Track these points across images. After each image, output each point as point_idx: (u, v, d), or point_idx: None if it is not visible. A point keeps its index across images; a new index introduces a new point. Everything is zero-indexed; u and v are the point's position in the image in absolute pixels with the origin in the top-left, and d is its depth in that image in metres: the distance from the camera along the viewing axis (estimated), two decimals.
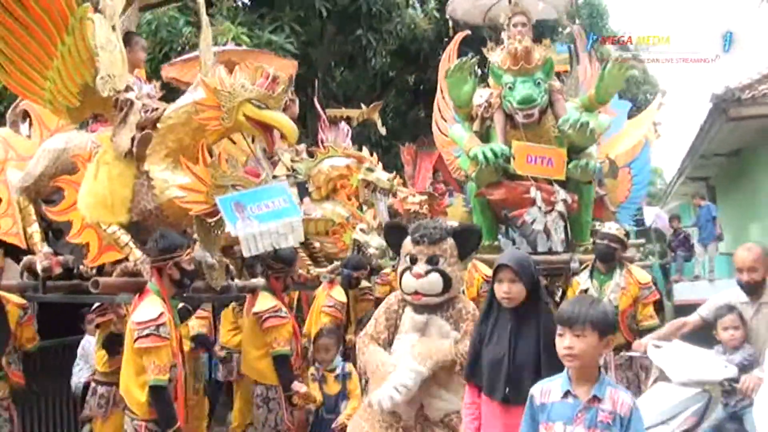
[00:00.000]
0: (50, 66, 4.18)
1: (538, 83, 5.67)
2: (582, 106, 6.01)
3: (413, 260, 3.55)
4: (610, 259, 5.30)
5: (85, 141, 4.56)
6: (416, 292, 3.52)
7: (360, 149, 8.24)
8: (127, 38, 4.68)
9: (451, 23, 8.14)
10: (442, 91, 7.32)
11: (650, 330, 4.84)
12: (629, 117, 8.80)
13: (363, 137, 11.23)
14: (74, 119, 4.49)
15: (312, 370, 4.93)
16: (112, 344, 4.91)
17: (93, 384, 5.09)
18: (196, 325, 5.85)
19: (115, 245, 4.25)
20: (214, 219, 4.36)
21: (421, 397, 3.45)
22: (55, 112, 4.41)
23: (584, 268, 5.61)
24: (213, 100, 4.19)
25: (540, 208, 5.67)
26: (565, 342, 2.47)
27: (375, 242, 6.86)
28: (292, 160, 7.29)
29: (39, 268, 4.46)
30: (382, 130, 9.36)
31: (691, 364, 3.74)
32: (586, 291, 5.38)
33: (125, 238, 4.24)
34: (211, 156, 4.34)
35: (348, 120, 8.74)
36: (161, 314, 3.58)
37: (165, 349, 3.56)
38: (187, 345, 5.07)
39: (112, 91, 4.21)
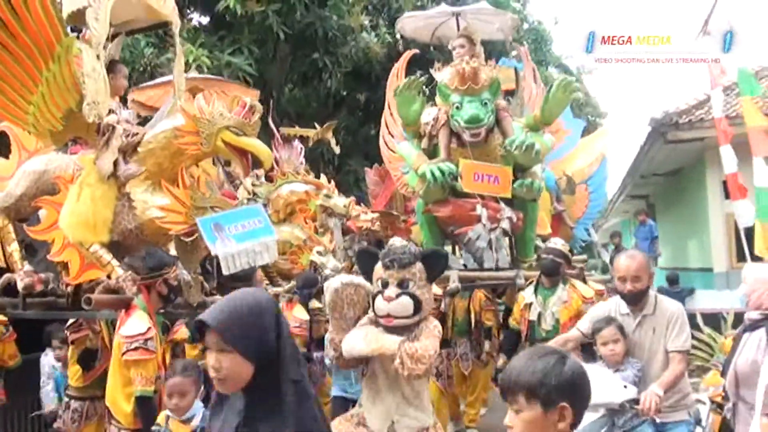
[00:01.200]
0: (35, 92, 4.36)
1: (485, 103, 5.77)
2: (527, 126, 6.17)
3: (384, 284, 3.64)
4: (554, 273, 5.54)
5: (66, 163, 4.75)
6: (388, 315, 3.58)
7: (313, 167, 8.50)
8: (111, 66, 4.87)
9: (400, 40, 8.13)
10: (390, 108, 7.37)
11: None
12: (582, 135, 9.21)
13: (316, 155, 11.48)
14: (57, 142, 4.66)
15: (161, 417, 3.69)
16: (87, 360, 5.07)
17: (65, 399, 5.23)
18: None
19: (97, 263, 4.44)
20: (191, 238, 4.60)
21: (392, 415, 3.55)
22: (38, 135, 4.60)
23: (529, 283, 5.79)
24: (192, 126, 4.44)
25: (485, 225, 5.82)
26: (506, 419, 1.87)
27: (331, 264, 7.14)
28: (253, 184, 7.54)
29: (20, 285, 4.62)
30: (336, 149, 9.62)
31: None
32: (530, 305, 5.61)
33: (107, 256, 4.43)
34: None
35: (302, 139, 8.99)
36: (149, 329, 3.80)
37: (152, 362, 3.78)
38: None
39: (96, 117, 4.41)
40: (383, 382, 3.58)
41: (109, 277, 4.44)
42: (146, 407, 3.77)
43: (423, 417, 3.57)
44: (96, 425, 5.22)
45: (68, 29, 4.34)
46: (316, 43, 9.82)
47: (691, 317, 9.72)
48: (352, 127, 14.46)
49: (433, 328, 3.71)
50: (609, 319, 3.81)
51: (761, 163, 8.47)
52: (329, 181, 8.14)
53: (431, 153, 6.18)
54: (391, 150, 7.53)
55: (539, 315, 5.58)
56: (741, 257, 11.59)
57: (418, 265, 3.66)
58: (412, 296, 3.60)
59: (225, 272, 4.36)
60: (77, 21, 4.76)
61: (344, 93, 13.56)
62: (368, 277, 3.83)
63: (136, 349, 3.73)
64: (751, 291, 4.07)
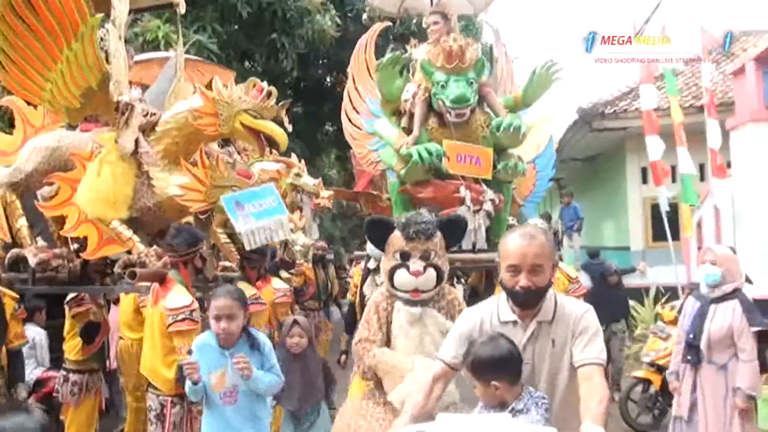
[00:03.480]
0: (53, 68, 4.44)
1: (471, 83, 5.63)
2: (506, 106, 6.09)
3: (405, 256, 3.51)
4: None
5: (80, 140, 4.79)
6: (415, 290, 3.49)
7: None
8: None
9: (367, 12, 7.84)
10: (354, 82, 7.14)
11: None
12: None
13: None
14: (72, 119, 4.72)
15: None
16: (90, 333, 5.19)
17: (63, 372, 5.31)
18: None
19: (117, 239, 4.56)
20: (206, 215, 4.82)
21: None
22: (53, 111, 4.66)
23: None
24: (211, 108, 4.60)
25: (469, 207, 5.79)
26: None
27: (301, 241, 7.42)
28: (226, 162, 7.68)
29: (34, 261, 4.66)
30: (289, 128, 9.76)
31: None
32: None
33: (127, 232, 4.55)
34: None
35: None
36: (193, 301, 4.00)
37: (196, 332, 3.98)
38: None
39: (119, 96, 4.52)
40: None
41: (129, 252, 4.57)
42: None
43: (451, 391, 3.45)
44: (93, 398, 5.37)
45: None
46: (275, 23, 9.93)
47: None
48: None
49: (461, 304, 3.69)
50: (493, 337, 2.54)
51: (685, 153, 9.39)
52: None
53: (411, 131, 6.04)
54: (357, 126, 7.48)
55: None
56: (656, 237, 12.68)
57: (439, 235, 3.60)
58: (436, 267, 3.53)
59: (247, 248, 4.60)
60: None
61: (277, 72, 13.62)
62: (379, 246, 3.70)
63: (183, 320, 3.92)
64: (727, 268, 4.67)
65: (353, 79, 7.29)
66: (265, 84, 4.78)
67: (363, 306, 5.24)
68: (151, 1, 5.38)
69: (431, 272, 3.50)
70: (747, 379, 4.43)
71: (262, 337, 3.71)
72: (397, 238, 3.57)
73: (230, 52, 10.15)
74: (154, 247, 4.50)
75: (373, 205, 7.93)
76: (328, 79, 15.53)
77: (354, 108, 7.41)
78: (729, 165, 9.24)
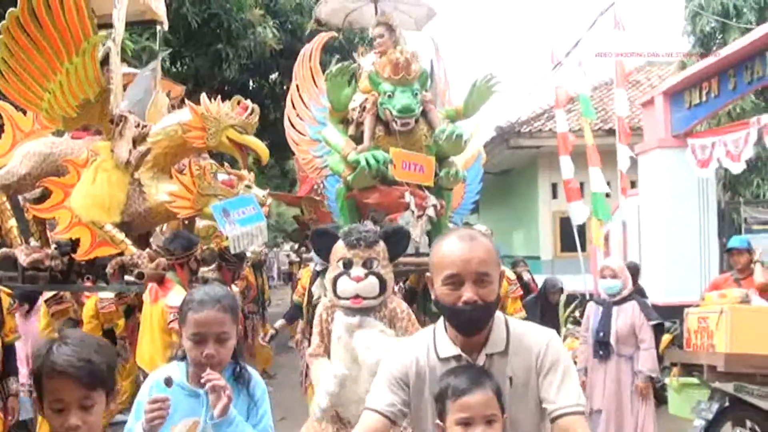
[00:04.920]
0: (53, 79, 4.73)
1: (416, 94, 5.86)
2: (447, 117, 6.41)
3: (348, 264, 3.56)
4: None
5: (72, 147, 5.09)
6: (356, 296, 3.53)
7: None
8: (106, 60, 5.25)
9: (314, 21, 8.11)
10: (299, 90, 7.32)
11: None
12: None
13: None
14: (67, 127, 5.03)
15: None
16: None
17: None
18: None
19: (110, 242, 4.89)
20: (188, 221, 5.23)
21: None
22: (50, 119, 4.93)
23: None
24: (199, 122, 5.03)
25: (413, 212, 6.11)
26: None
27: (251, 247, 7.76)
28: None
29: (26, 260, 4.92)
30: None
31: None
32: None
33: (120, 236, 4.91)
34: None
35: None
36: None
37: None
38: None
39: (117, 108, 4.87)
40: (352, 369, 3.55)
41: (121, 254, 4.91)
42: None
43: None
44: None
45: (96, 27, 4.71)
46: (220, 34, 10.26)
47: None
48: None
49: (407, 312, 3.75)
50: (478, 373, 1.97)
51: (596, 173, 10.36)
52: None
53: (358, 139, 6.30)
54: (301, 133, 7.42)
55: None
56: (564, 248, 13.74)
57: (381, 244, 3.66)
58: (378, 276, 3.57)
59: (233, 251, 5.05)
60: None
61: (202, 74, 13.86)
62: (322, 256, 3.82)
63: None
64: (624, 278, 5.57)
65: (297, 87, 7.52)
66: (246, 100, 5.23)
67: (310, 304, 5.69)
68: (135, 18, 5.68)
69: (373, 279, 3.55)
70: (648, 363, 5.36)
71: (255, 375, 2.47)
72: (339, 247, 3.64)
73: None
74: (147, 249, 4.87)
75: (315, 210, 8.27)
76: (251, 83, 15.86)
77: (298, 115, 7.75)
78: (633, 185, 10.31)
